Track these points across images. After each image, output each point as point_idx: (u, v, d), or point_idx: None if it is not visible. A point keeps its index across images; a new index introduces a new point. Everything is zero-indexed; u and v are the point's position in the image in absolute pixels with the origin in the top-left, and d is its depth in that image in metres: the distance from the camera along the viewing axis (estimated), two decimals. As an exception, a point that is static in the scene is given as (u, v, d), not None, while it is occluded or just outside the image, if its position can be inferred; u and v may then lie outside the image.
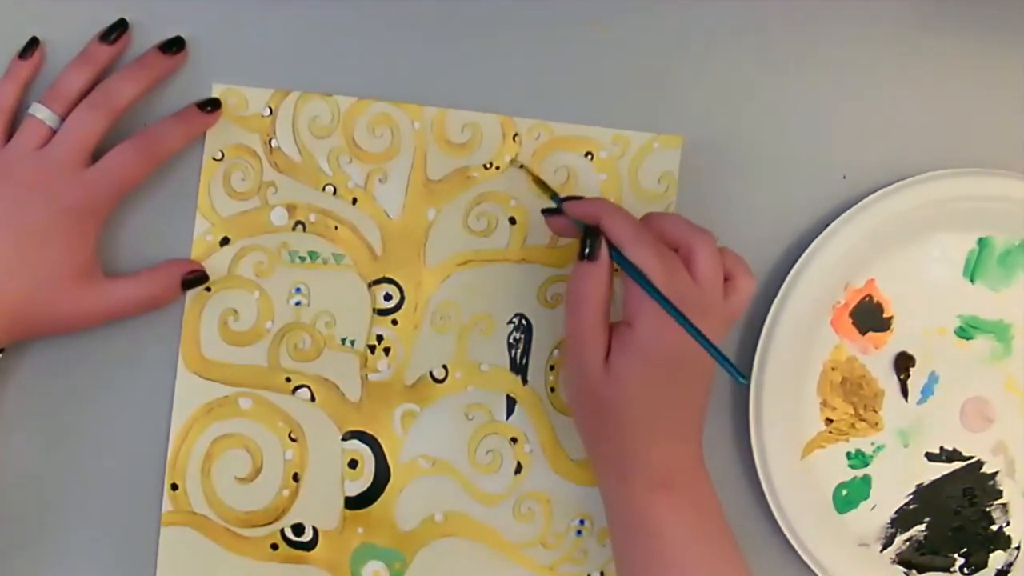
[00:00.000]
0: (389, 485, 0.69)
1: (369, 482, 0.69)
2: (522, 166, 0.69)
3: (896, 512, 0.72)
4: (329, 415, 0.69)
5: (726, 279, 0.62)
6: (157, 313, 0.67)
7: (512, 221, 0.70)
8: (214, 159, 0.68)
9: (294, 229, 0.69)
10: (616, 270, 0.61)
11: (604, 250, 0.60)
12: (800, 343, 0.70)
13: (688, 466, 0.62)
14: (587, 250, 0.60)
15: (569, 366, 0.62)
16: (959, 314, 0.72)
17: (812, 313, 0.70)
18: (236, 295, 0.68)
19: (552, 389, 0.70)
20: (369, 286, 0.69)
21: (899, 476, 0.72)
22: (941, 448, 0.72)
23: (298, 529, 0.68)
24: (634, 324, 0.59)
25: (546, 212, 0.66)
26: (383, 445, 0.69)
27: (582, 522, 0.70)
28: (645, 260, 0.59)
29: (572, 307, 0.61)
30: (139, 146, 0.64)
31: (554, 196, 0.66)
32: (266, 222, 0.69)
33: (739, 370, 0.57)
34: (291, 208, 0.69)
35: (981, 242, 0.72)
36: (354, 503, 0.69)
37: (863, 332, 0.71)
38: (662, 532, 0.61)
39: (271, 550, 0.68)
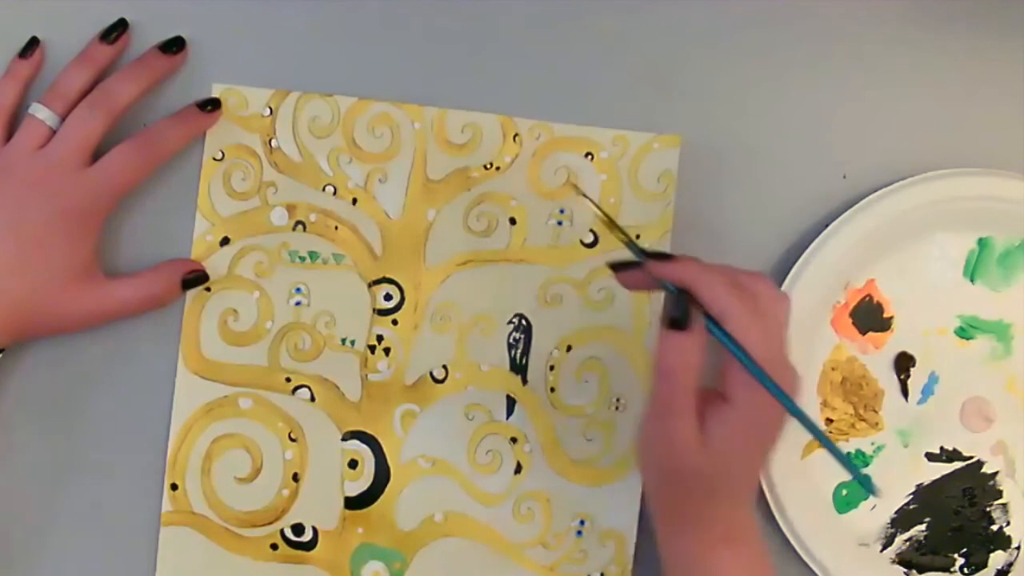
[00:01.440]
0: (389, 485, 0.69)
1: (369, 482, 0.69)
2: (592, 203, 0.66)
3: (896, 512, 0.72)
4: (329, 415, 0.69)
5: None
6: (157, 313, 0.67)
7: (512, 221, 0.70)
8: (214, 159, 0.68)
9: (294, 229, 0.69)
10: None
11: (699, 321, 0.56)
12: (800, 343, 0.69)
13: (749, 523, 0.61)
14: (679, 318, 0.56)
15: (653, 433, 0.58)
16: (959, 314, 0.72)
17: (812, 313, 0.70)
18: (236, 295, 0.68)
19: (552, 389, 0.70)
20: (369, 286, 0.69)
21: (899, 476, 0.72)
22: (941, 448, 0.72)
23: (298, 529, 0.68)
24: (734, 399, 0.56)
25: (617, 267, 0.61)
26: (383, 445, 0.69)
27: (582, 522, 0.70)
28: (747, 336, 0.56)
29: (663, 381, 0.56)
30: (139, 146, 0.64)
31: (632, 246, 0.61)
32: (266, 222, 0.69)
33: (870, 481, 0.57)
34: (291, 208, 0.69)
35: (981, 242, 0.72)
36: (354, 503, 0.69)
37: (863, 332, 0.71)
38: None
39: (271, 550, 0.68)
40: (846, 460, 0.57)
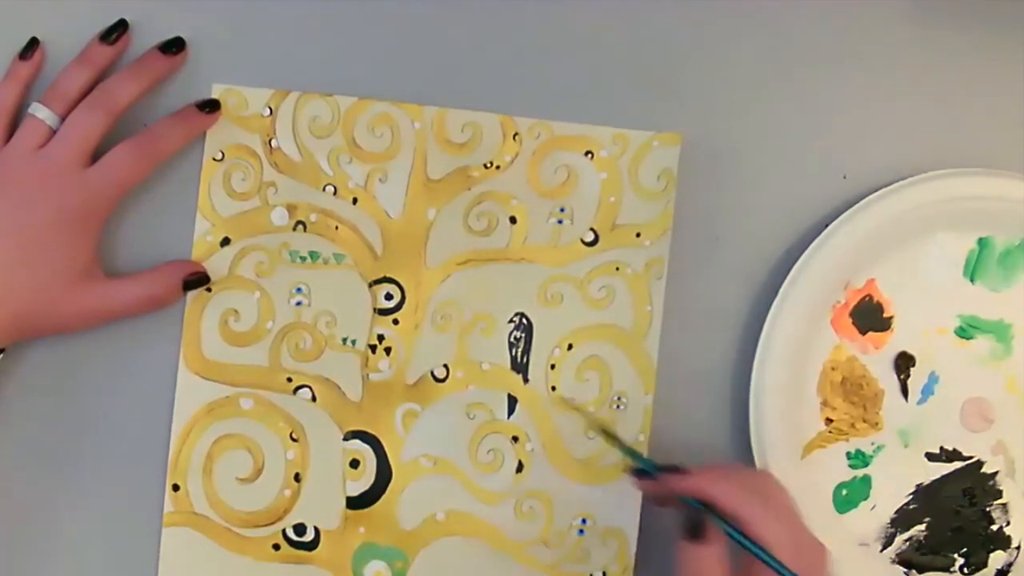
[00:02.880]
0: (391, 485, 0.69)
1: (371, 482, 0.69)
2: (601, 428, 0.68)
3: (896, 512, 0.72)
4: (330, 415, 0.69)
5: None
6: (158, 313, 0.67)
7: (512, 220, 0.70)
8: (214, 159, 0.68)
9: (295, 229, 0.69)
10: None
11: (716, 532, 0.58)
12: (800, 343, 0.70)
13: None
14: (696, 530, 0.58)
15: None
16: (959, 314, 0.72)
17: (812, 313, 0.70)
18: (237, 295, 0.68)
19: (553, 388, 0.70)
20: (370, 286, 0.69)
21: (899, 476, 0.72)
22: (941, 448, 0.72)
23: (300, 529, 0.69)
24: None
25: (636, 474, 0.64)
26: (384, 445, 0.69)
27: (584, 521, 0.70)
28: (772, 538, 0.57)
29: None
30: (139, 146, 0.64)
31: (644, 462, 0.64)
32: (266, 222, 0.68)
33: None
34: (291, 208, 0.69)
35: (981, 242, 0.72)
36: (355, 503, 0.69)
37: (863, 332, 0.71)
38: None
39: (273, 550, 0.68)
40: None
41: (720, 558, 0.58)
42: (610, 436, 0.67)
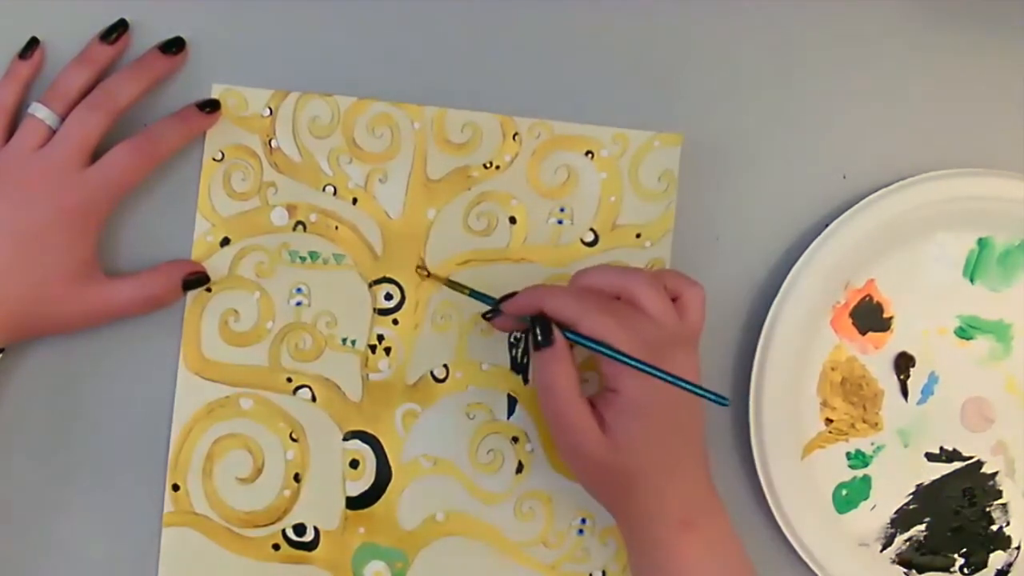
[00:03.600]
0: (390, 485, 0.69)
1: (370, 482, 0.69)
2: (429, 274, 0.69)
3: (896, 512, 0.72)
4: (330, 415, 0.69)
5: (675, 298, 0.63)
6: (157, 313, 0.67)
7: (512, 220, 0.70)
8: (214, 159, 0.68)
9: (295, 229, 0.69)
10: (572, 345, 0.61)
11: (557, 332, 0.60)
12: (800, 343, 0.70)
13: (704, 501, 0.62)
14: (539, 338, 0.61)
15: (565, 448, 0.62)
16: (959, 314, 0.72)
17: (812, 313, 0.70)
18: (237, 295, 0.68)
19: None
20: (370, 286, 0.69)
21: (899, 476, 0.72)
22: (941, 448, 0.72)
23: (299, 529, 0.69)
24: (619, 389, 0.60)
25: (487, 316, 0.67)
26: (384, 445, 0.69)
27: (584, 521, 0.70)
28: (601, 328, 0.59)
29: (546, 396, 0.61)
30: (139, 146, 0.64)
31: (484, 299, 0.66)
32: (266, 222, 0.68)
33: (719, 395, 0.59)
34: (291, 208, 0.69)
35: (981, 242, 0.72)
36: (355, 503, 0.69)
37: (863, 332, 0.71)
38: (688, 571, 0.61)
39: (272, 550, 0.68)
40: (704, 391, 0.60)
41: (565, 358, 0.60)
42: (457, 285, 0.67)
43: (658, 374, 0.59)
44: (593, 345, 0.59)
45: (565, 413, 0.60)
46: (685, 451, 0.62)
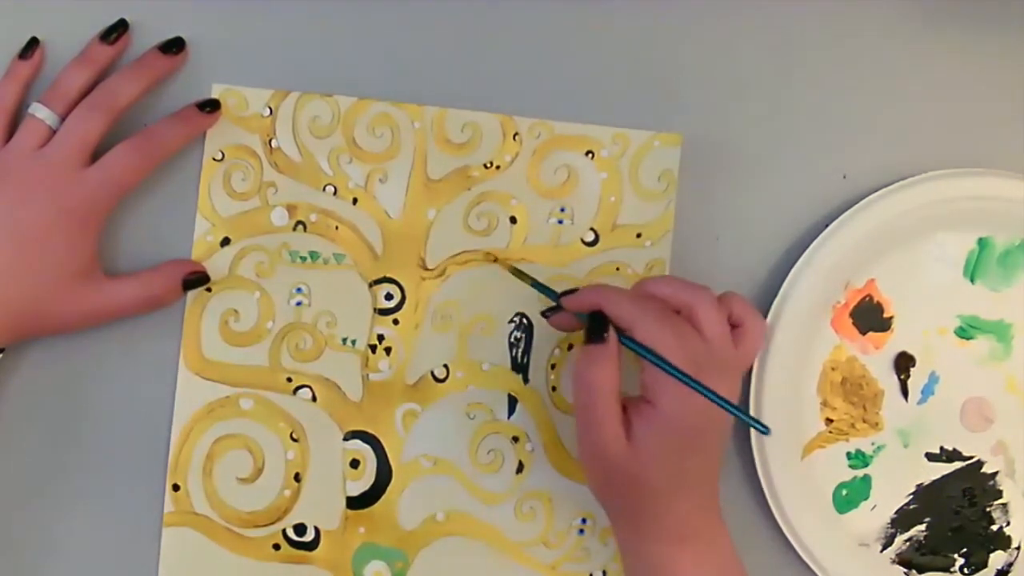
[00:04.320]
0: (391, 485, 0.69)
1: (371, 482, 0.69)
2: (496, 260, 0.69)
3: (896, 512, 0.72)
4: (330, 415, 0.69)
5: (736, 326, 0.63)
6: (157, 313, 0.67)
7: (512, 220, 0.70)
8: (214, 159, 0.68)
9: (295, 229, 0.69)
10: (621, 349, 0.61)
11: (611, 333, 0.60)
12: (800, 343, 0.70)
13: (706, 519, 0.62)
14: (593, 333, 0.60)
15: (587, 444, 0.61)
16: (959, 314, 0.72)
17: (812, 313, 0.70)
18: (237, 295, 0.68)
19: (553, 388, 0.70)
20: (370, 286, 0.69)
21: (899, 476, 0.72)
22: (941, 448, 0.72)
23: (300, 529, 0.69)
24: (656, 402, 0.59)
25: (547, 313, 0.66)
26: (384, 445, 0.69)
27: (584, 521, 0.70)
28: (656, 338, 0.59)
29: (584, 391, 0.60)
30: (139, 146, 0.64)
31: (548, 292, 0.65)
32: (266, 222, 0.68)
33: (762, 423, 0.60)
34: (291, 208, 0.69)
35: (981, 242, 0.72)
36: (356, 503, 0.69)
37: (863, 332, 0.71)
38: None
39: (273, 550, 0.68)
40: (749, 416, 0.60)
41: (612, 358, 0.60)
42: (521, 275, 0.67)
43: (704, 391, 0.58)
44: (644, 352, 0.59)
45: (597, 412, 0.60)
46: (700, 474, 0.62)
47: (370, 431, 0.69)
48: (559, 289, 0.64)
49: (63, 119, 0.64)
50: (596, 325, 0.61)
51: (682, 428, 0.59)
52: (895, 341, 0.71)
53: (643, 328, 0.59)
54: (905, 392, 0.72)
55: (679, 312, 0.61)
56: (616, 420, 0.60)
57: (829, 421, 0.71)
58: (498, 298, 0.70)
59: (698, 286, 0.62)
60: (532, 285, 0.66)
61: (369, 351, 0.69)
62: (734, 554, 0.63)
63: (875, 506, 0.72)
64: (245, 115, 0.68)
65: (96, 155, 0.64)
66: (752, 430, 0.69)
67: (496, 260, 0.69)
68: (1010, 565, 0.73)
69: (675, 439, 0.59)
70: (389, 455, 0.69)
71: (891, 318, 0.71)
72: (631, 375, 0.62)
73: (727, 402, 0.59)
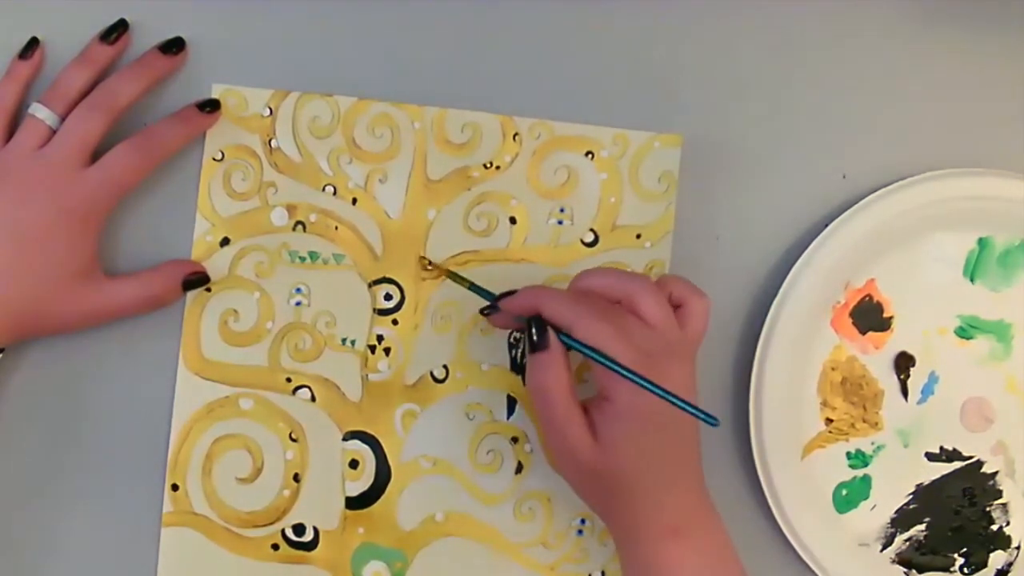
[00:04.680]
0: (390, 485, 0.69)
1: (370, 482, 0.69)
2: (431, 265, 0.69)
3: (896, 512, 0.72)
4: (330, 415, 0.69)
5: (678, 306, 0.62)
6: (157, 313, 0.67)
7: (512, 220, 0.70)
8: (214, 159, 0.68)
9: (294, 229, 0.69)
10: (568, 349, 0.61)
11: (552, 336, 0.60)
12: (800, 343, 0.70)
13: (696, 510, 0.62)
14: (536, 340, 0.60)
15: (557, 452, 0.62)
16: (959, 314, 0.72)
17: (812, 313, 0.70)
18: (236, 295, 0.68)
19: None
20: (369, 286, 0.69)
21: (899, 476, 0.72)
22: (941, 448, 0.72)
23: (299, 529, 0.68)
24: (612, 397, 0.59)
25: (484, 311, 0.65)
26: (384, 445, 0.69)
27: (583, 521, 0.70)
28: (597, 335, 0.59)
29: (540, 399, 0.60)
30: (139, 146, 0.64)
31: (486, 295, 0.65)
32: (266, 222, 0.69)
33: (709, 414, 0.58)
34: (291, 208, 0.69)
35: (981, 242, 0.72)
36: (355, 503, 0.69)
37: (863, 332, 0.71)
38: None
39: (272, 550, 0.68)
40: (694, 408, 0.59)
41: (560, 362, 0.60)
42: (458, 278, 0.67)
43: (650, 387, 0.58)
44: (588, 351, 0.59)
45: (556, 417, 0.60)
46: (677, 461, 0.61)
47: (369, 431, 0.69)
48: (499, 291, 0.64)
49: (63, 119, 0.64)
50: (537, 330, 0.60)
51: (643, 419, 0.59)
52: (895, 341, 0.71)
53: (583, 327, 0.59)
54: (905, 392, 0.72)
55: (619, 303, 0.61)
56: (578, 422, 0.60)
57: (829, 421, 0.71)
58: (498, 298, 0.70)
59: (635, 274, 0.62)
60: (469, 288, 0.66)
61: (368, 351, 0.69)
62: (729, 543, 0.62)
63: (875, 506, 0.72)
64: (245, 115, 0.68)
65: (96, 155, 0.64)
66: (751, 429, 0.69)
67: (432, 265, 0.69)
68: (1010, 565, 0.73)
69: (639, 431, 0.59)
70: (388, 455, 0.69)
71: (891, 318, 0.71)
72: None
73: (670, 394, 0.58)
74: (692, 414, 0.58)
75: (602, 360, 0.58)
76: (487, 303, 0.65)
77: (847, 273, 0.70)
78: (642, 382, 0.58)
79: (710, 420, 0.58)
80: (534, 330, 0.60)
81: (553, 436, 0.61)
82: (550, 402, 0.60)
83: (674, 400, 0.58)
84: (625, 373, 0.58)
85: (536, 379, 0.60)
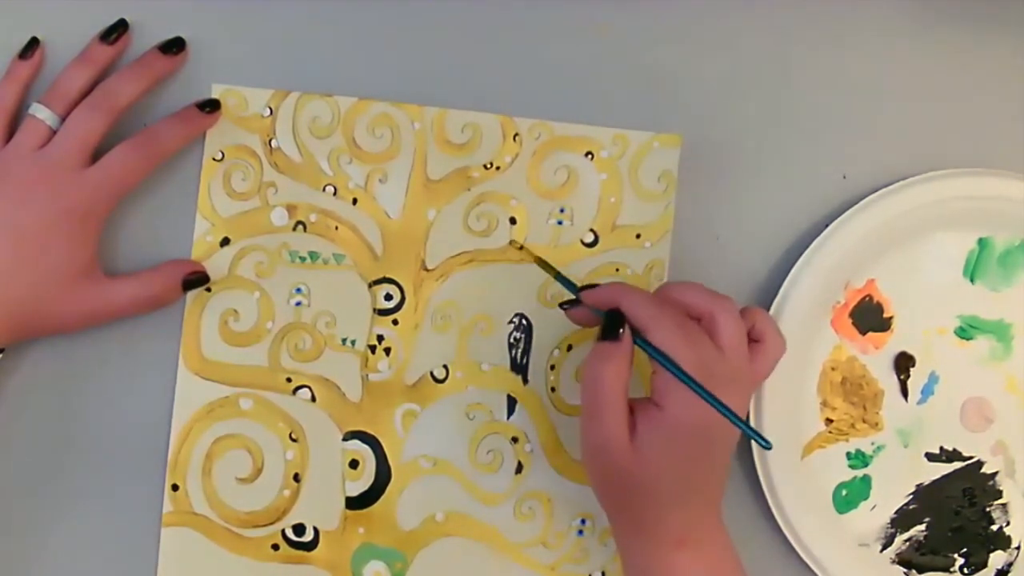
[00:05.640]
0: (390, 485, 0.69)
1: (370, 482, 0.69)
2: (522, 247, 0.69)
3: (896, 512, 0.72)
4: (330, 415, 0.69)
5: (755, 340, 0.63)
6: (157, 313, 0.67)
7: (512, 221, 0.70)
8: (214, 159, 0.68)
9: (294, 229, 0.69)
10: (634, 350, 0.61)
11: (626, 331, 0.60)
12: (800, 343, 0.70)
13: (705, 524, 0.62)
14: (608, 330, 0.60)
15: (590, 441, 0.61)
16: (959, 314, 0.72)
17: (812, 313, 0.70)
18: (236, 295, 0.68)
19: (553, 389, 0.70)
20: (369, 286, 0.69)
21: (899, 476, 0.72)
22: (941, 448, 0.72)
23: (299, 529, 0.68)
24: (663, 404, 0.59)
25: (564, 305, 0.65)
26: (384, 445, 0.69)
27: (583, 521, 0.70)
28: (670, 342, 0.59)
29: (592, 387, 0.60)
30: (139, 146, 0.64)
31: (569, 286, 0.64)
32: (266, 222, 0.69)
33: (764, 438, 0.59)
34: (291, 208, 0.69)
35: (981, 242, 0.72)
36: (355, 503, 0.69)
37: (863, 332, 0.71)
38: None
39: (272, 550, 0.68)
40: (752, 429, 0.59)
41: (623, 356, 0.60)
42: (546, 265, 0.66)
43: (709, 399, 0.58)
44: (656, 355, 0.59)
45: (601, 408, 0.59)
46: (703, 483, 0.61)
47: (369, 431, 0.69)
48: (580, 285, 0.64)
49: (63, 119, 0.64)
50: (612, 323, 0.60)
51: (687, 434, 0.59)
52: (895, 341, 0.71)
53: (658, 331, 0.59)
54: (905, 392, 0.72)
55: (699, 320, 0.61)
56: (620, 418, 0.59)
57: (829, 421, 0.71)
58: (498, 299, 0.70)
59: (721, 296, 0.61)
60: (556, 277, 0.65)
61: (368, 351, 0.69)
62: (734, 556, 0.62)
63: (875, 506, 0.72)
64: (245, 115, 0.68)
65: (96, 155, 0.64)
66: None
67: (522, 248, 0.69)
68: (1010, 565, 0.72)
69: (679, 445, 0.59)
70: (388, 455, 0.69)
71: (891, 318, 0.71)
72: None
73: (732, 413, 0.58)
74: (747, 433, 0.59)
75: (668, 366, 0.58)
76: (571, 296, 0.64)
77: (847, 273, 0.70)
78: (703, 393, 0.58)
79: (763, 442, 0.59)
80: (610, 321, 0.60)
81: (591, 427, 0.60)
82: (601, 392, 0.59)
83: (732, 416, 0.58)
84: (688, 382, 0.58)
85: (594, 367, 0.60)
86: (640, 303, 0.60)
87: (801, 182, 0.71)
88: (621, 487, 0.61)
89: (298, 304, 0.69)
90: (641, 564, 0.62)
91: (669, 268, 0.70)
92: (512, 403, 0.70)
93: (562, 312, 0.67)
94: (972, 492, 0.72)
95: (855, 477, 0.71)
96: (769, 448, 0.59)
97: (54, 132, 0.64)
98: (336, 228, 0.69)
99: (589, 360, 0.60)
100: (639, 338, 0.60)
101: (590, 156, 0.70)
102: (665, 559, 0.60)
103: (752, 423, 0.69)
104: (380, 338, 0.69)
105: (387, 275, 0.69)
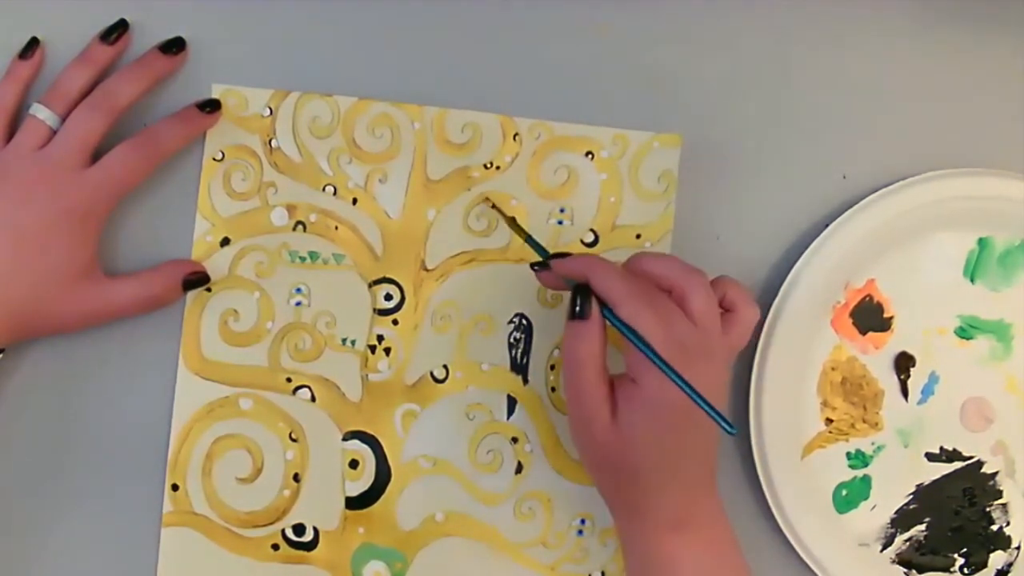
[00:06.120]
0: (390, 485, 0.69)
1: (370, 482, 0.69)
2: (494, 205, 0.69)
3: (896, 512, 0.72)
4: (330, 415, 0.69)
5: (728, 310, 0.62)
6: (157, 313, 0.67)
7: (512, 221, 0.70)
8: (214, 159, 0.68)
9: (294, 229, 0.69)
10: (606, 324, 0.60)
11: (595, 308, 0.59)
12: (800, 343, 0.70)
13: (702, 506, 0.62)
14: (577, 309, 0.60)
15: (574, 423, 0.61)
16: (959, 314, 0.72)
17: (812, 313, 0.70)
18: (236, 295, 0.68)
19: (553, 389, 0.70)
20: (369, 286, 0.69)
21: (899, 476, 0.72)
22: (941, 448, 0.72)
23: (299, 529, 0.68)
24: (639, 380, 0.59)
25: (535, 266, 0.64)
26: (384, 445, 0.69)
27: (583, 521, 0.70)
28: (638, 318, 0.58)
29: (569, 368, 0.60)
30: (139, 146, 0.64)
31: (540, 251, 0.64)
32: (266, 222, 0.69)
33: (729, 422, 0.57)
34: (291, 208, 0.69)
35: (981, 242, 0.72)
36: (355, 503, 0.69)
37: (863, 332, 0.71)
38: (677, 570, 0.60)
39: (272, 550, 0.68)
40: (715, 412, 0.57)
41: (597, 335, 0.59)
42: (517, 227, 0.66)
43: (677, 380, 0.57)
44: (627, 331, 0.58)
45: (581, 389, 0.59)
46: (691, 456, 0.61)
47: (369, 431, 0.69)
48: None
49: (63, 119, 0.64)
50: (582, 299, 0.60)
51: (664, 408, 0.58)
52: (895, 341, 0.71)
53: (628, 307, 0.58)
54: (905, 392, 0.72)
55: (670, 292, 0.60)
56: (599, 395, 0.59)
57: (829, 421, 0.71)
58: (497, 299, 0.70)
59: (692, 268, 0.61)
60: (526, 240, 0.65)
61: (368, 351, 0.69)
62: (732, 538, 0.62)
63: (875, 506, 0.72)
64: (245, 115, 0.68)
65: (96, 155, 0.64)
66: (751, 429, 0.69)
67: (493, 206, 0.69)
68: (1010, 565, 0.72)
69: (658, 419, 0.59)
70: (388, 455, 0.69)
71: (891, 318, 0.71)
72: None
73: (696, 392, 0.57)
74: (711, 416, 0.57)
75: (638, 343, 0.58)
76: (539, 259, 0.64)
77: (847, 273, 0.70)
78: (671, 374, 0.57)
79: (728, 427, 0.57)
80: (578, 299, 0.60)
81: (573, 408, 0.61)
82: (577, 371, 0.59)
83: (696, 398, 0.57)
84: (657, 361, 0.57)
85: (569, 347, 0.60)
86: (609, 277, 0.59)
87: (801, 182, 0.71)
88: (610, 468, 0.61)
89: (298, 304, 0.69)
90: (640, 550, 0.62)
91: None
92: (512, 403, 0.70)
93: (563, 312, 0.67)
94: (972, 492, 0.72)
95: (855, 477, 0.71)
96: (734, 434, 0.57)
97: (54, 132, 0.64)
98: (336, 228, 0.69)
99: (564, 341, 0.60)
100: (608, 313, 0.59)
101: (590, 156, 0.70)
102: (663, 542, 0.61)
103: (752, 422, 0.69)
104: (380, 338, 0.69)
105: (387, 275, 0.69)
